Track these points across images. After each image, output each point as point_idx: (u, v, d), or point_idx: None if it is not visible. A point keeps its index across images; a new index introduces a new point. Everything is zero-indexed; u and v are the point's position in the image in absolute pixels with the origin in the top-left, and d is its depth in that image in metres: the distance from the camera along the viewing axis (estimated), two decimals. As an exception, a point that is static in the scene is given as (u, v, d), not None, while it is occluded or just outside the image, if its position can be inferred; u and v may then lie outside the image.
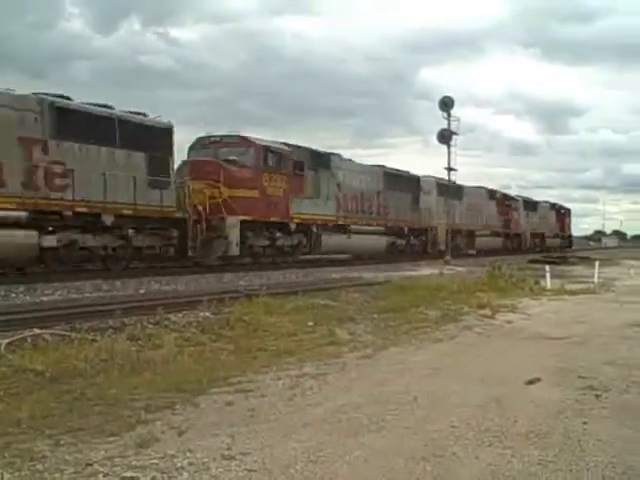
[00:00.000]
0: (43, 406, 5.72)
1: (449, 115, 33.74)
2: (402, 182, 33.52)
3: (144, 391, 6.35)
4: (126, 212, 18.20)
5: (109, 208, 17.62)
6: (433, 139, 35.44)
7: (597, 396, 6.44)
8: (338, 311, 12.30)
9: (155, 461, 4.46)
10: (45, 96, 16.51)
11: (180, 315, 10.65)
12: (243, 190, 22.04)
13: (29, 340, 8.23)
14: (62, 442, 4.83)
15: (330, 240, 26.96)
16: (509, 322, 12.04)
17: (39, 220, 15.98)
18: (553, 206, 60.10)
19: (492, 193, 45.83)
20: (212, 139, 23.64)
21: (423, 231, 35.69)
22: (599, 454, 4.74)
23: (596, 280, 20.04)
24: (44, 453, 4.58)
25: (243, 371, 7.37)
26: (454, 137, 34.39)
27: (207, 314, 10.92)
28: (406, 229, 33.61)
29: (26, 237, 15.48)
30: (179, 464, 4.41)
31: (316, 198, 26.25)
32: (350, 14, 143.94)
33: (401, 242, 33.26)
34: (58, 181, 16.50)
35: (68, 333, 8.71)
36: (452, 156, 34.84)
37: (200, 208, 20.52)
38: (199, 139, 23.99)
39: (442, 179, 36.42)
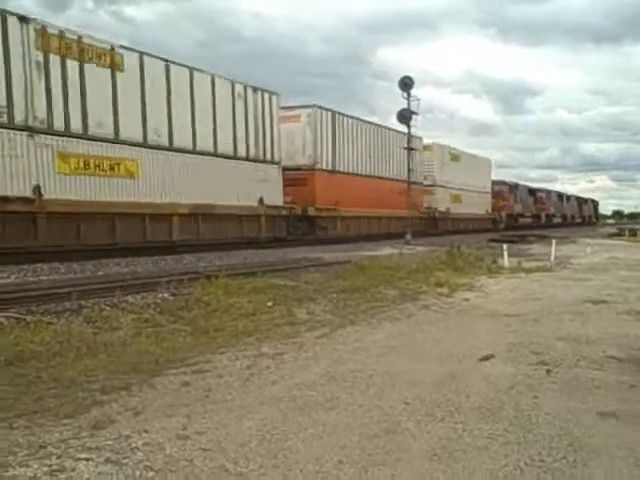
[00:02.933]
0: (-3, 389, 5.69)
1: (409, 95, 33.83)
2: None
3: (100, 373, 6.33)
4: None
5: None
6: (392, 119, 35.73)
7: (548, 371, 6.60)
8: (297, 291, 12.35)
9: (110, 442, 4.47)
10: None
11: (139, 297, 10.60)
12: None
13: (-17, 324, 8.14)
14: (16, 425, 4.81)
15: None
16: (466, 300, 12.20)
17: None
18: (577, 198, 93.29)
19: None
20: None
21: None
22: (547, 427, 4.86)
23: (552, 258, 20.37)
24: (-3, 436, 4.56)
25: (201, 352, 7.39)
26: (414, 117, 34.55)
27: (166, 295, 10.90)
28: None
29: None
30: (134, 444, 4.43)
31: None
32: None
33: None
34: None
35: (24, 316, 8.62)
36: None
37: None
38: None
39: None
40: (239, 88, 24.92)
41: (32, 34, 17.16)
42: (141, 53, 20.65)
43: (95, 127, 18.88)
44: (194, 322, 9.09)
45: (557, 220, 77.50)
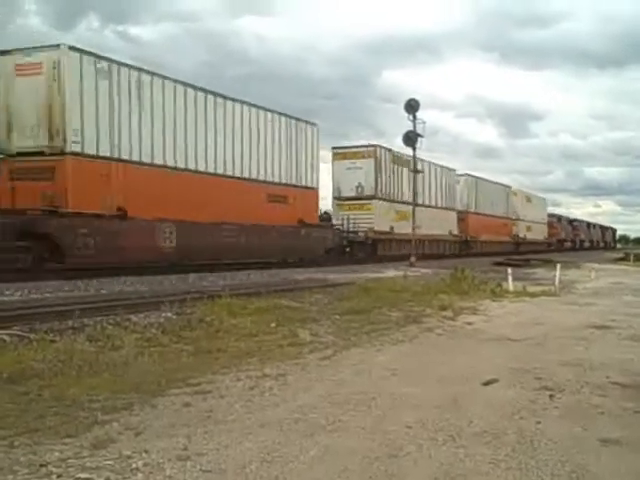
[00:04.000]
0: (-2, 407, 5.68)
1: (414, 118, 33.98)
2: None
3: (102, 392, 6.31)
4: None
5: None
6: (397, 141, 36.44)
7: (551, 396, 6.56)
8: (301, 312, 12.34)
9: (110, 462, 4.45)
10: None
11: (142, 316, 10.62)
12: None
13: (-14, 341, 8.14)
14: (16, 443, 4.80)
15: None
16: (470, 324, 12.17)
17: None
18: (600, 227, 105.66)
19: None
20: None
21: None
22: (550, 453, 4.83)
23: (557, 283, 20.33)
24: (-3, 454, 4.55)
25: (203, 372, 7.36)
26: (420, 139, 34.69)
27: (169, 315, 10.90)
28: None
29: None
30: (134, 465, 4.41)
31: None
32: (311, 17, 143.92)
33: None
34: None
35: (26, 334, 8.63)
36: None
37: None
38: None
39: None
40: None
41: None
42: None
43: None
44: (197, 342, 9.07)
45: (587, 244, 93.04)
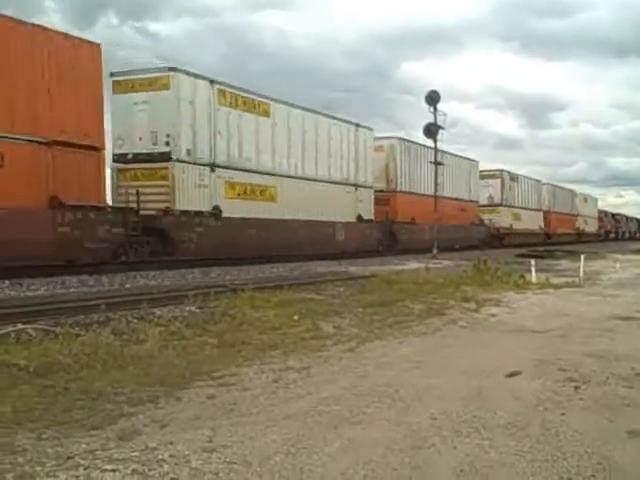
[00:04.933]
0: (26, 400, 5.74)
1: (435, 109, 33.80)
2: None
3: (127, 385, 6.37)
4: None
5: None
6: (417, 133, 36.32)
7: (576, 388, 6.52)
8: (323, 305, 12.36)
9: (136, 454, 4.49)
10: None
11: (165, 309, 10.69)
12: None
13: (13, 335, 8.24)
14: (44, 436, 4.86)
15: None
16: (493, 315, 12.11)
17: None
18: (637, 220, 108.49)
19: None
20: None
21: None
22: (575, 445, 4.80)
23: (581, 274, 20.15)
24: (25, 447, 4.60)
25: (227, 365, 7.41)
26: (441, 131, 34.54)
27: (192, 308, 10.96)
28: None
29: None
30: (160, 456, 4.44)
31: None
32: (330, 10, 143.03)
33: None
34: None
35: (52, 328, 8.72)
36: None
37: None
38: None
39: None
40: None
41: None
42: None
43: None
44: (220, 335, 9.11)
45: (626, 235, 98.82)
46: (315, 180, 29.06)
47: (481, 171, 49.79)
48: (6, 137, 16.00)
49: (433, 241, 32.87)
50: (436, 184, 35.30)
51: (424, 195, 38.07)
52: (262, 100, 25.87)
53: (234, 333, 9.31)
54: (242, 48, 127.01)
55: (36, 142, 16.61)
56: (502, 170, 53.10)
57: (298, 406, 5.81)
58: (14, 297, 12.49)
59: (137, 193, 20.11)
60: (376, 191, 34.62)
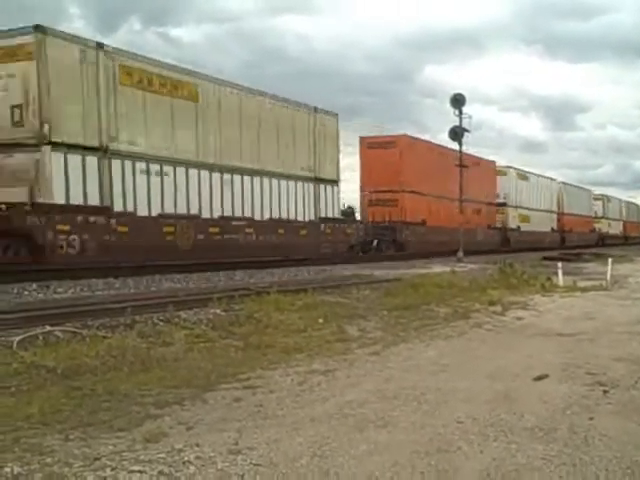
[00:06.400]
0: (53, 402, 5.79)
1: (460, 112, 33.66)
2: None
3: (154, 387, 6.41)
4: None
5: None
6: (442, 136, 36.18)
7: (605, 392, 6.44)
8: (348, 308, 12.34)
9: (162, 455, 4.51)
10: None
11: (191, 312, 10.72)
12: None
13: (41, 337, 8.32)
14: (71, 437, 4.90)
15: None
16: (519, 319, 12.03)
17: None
18: None
19: None
20: None
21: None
22: (604, 449, 4.74)
23: (609, 277, 19.93)
24: (53, 447, 4.64)
25: (252, 367, 7.42)
26: (466, 134, 34.39)
27: (217, 311, 10.99)
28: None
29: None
30: (186, 458, 4.46)
31: None
32: (351, 13, 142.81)
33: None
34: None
35: (79, 330, 8.79)
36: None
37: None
38: None
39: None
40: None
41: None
42: None
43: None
44: (245, 338, 9.13)
45: None
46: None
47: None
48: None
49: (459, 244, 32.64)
50: (461, 188, 35.10)
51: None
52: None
53: (259, 336, 9.32)
54: (262, 52, 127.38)
55: None
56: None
57: (324, 409, 5.80)
58: (41, 299, 12.61)
59: None
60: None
